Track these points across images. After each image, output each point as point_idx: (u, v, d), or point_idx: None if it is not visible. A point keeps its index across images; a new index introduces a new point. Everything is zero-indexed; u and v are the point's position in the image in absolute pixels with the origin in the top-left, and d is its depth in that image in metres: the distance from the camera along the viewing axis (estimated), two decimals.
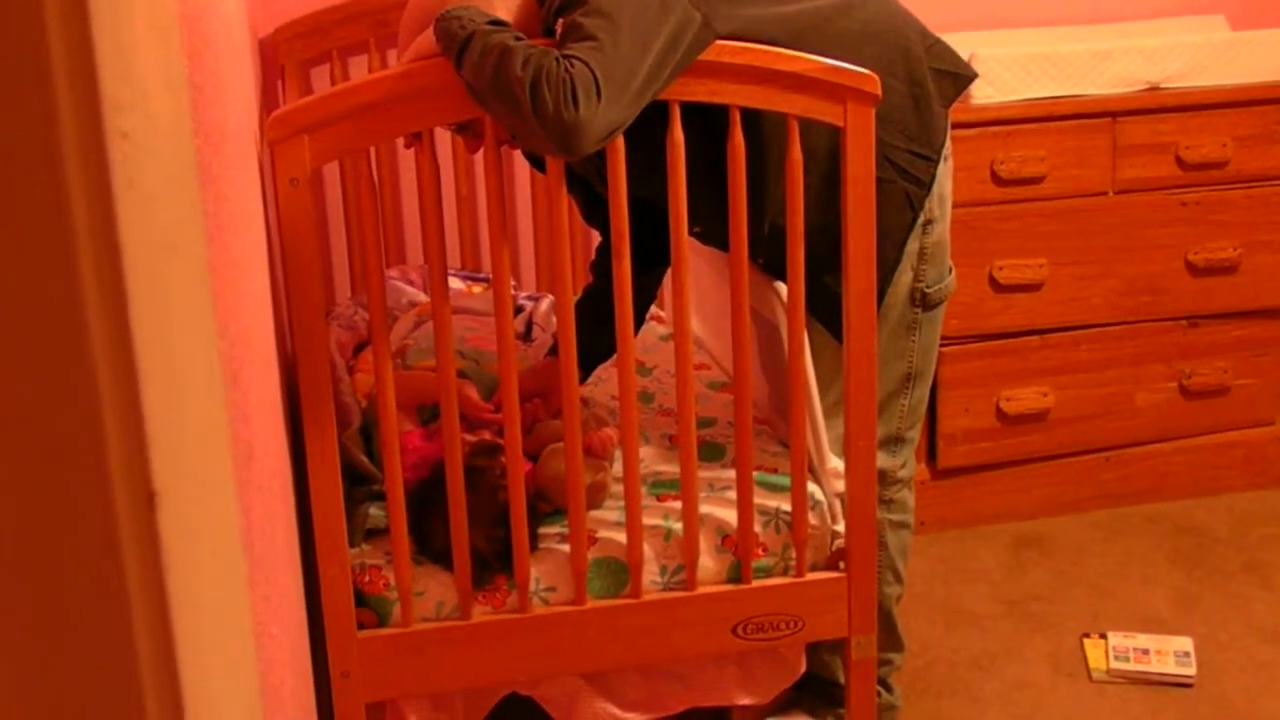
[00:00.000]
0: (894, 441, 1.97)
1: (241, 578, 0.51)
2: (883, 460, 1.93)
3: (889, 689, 2.11)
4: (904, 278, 1.87)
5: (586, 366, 1.98)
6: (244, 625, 0.53)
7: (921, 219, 1.85)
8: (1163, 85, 2.65)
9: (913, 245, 1.86)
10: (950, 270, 1.94)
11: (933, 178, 1.85)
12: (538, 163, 1.97)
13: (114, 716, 0.39)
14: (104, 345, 0.37)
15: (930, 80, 1.83)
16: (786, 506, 1.83)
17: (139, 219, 0.37)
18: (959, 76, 1.88)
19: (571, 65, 1.47)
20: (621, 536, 1.78)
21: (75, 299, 0.36)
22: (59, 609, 0.39)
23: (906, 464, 2.01)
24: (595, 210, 1.98)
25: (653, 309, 2.27)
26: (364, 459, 1.88)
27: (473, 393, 1.96)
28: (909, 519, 2.05)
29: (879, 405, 1.85)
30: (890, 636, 2.07)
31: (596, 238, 2.13)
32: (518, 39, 1.52)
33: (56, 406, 0.37)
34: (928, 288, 1.89)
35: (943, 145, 1.86)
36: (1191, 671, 2.24)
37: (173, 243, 0.41)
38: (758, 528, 1.82)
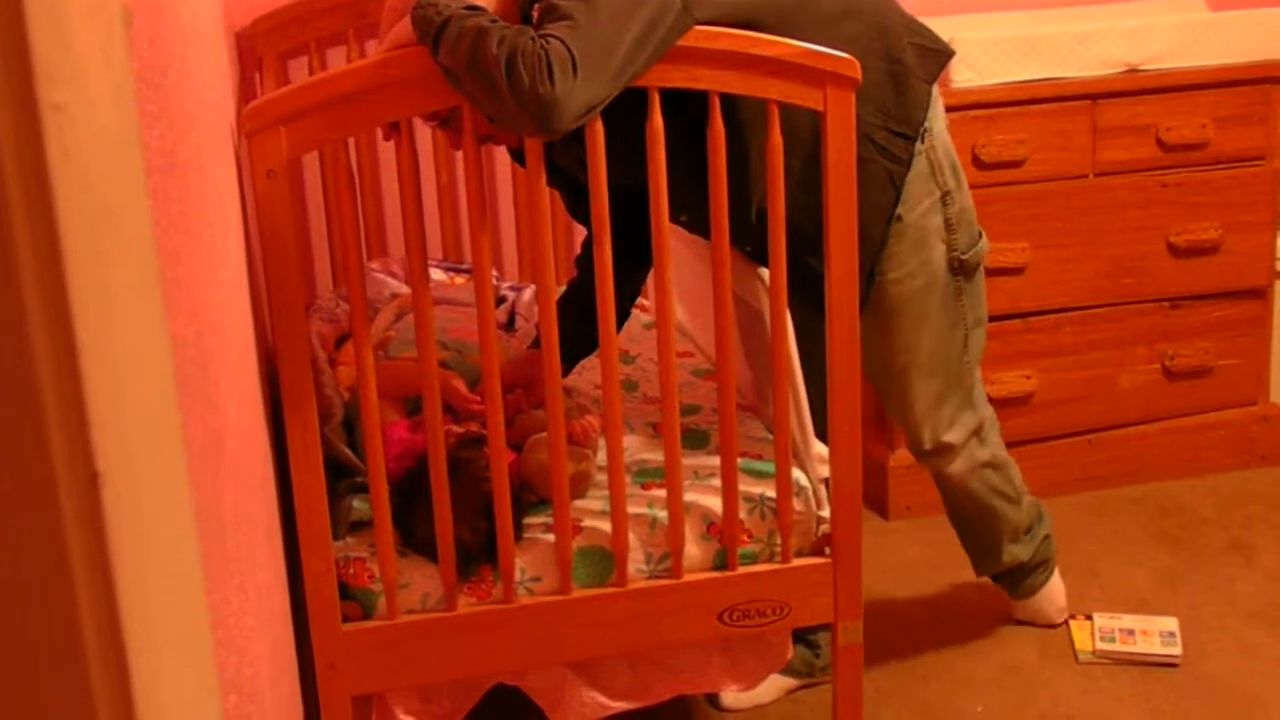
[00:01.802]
0: (970, 394, 2.09)
1: (194, 561, 0.50)
2: (971, 419, 2.08)
3: (1047, 559, 2.29)
4: (937, 251, 1.95)
5: (569, 360, 1.97)
6: (197, 607, 0.52)
7: (939, 193, 1.93)
8: (1142, 67, 2.65)
9: (936, 219, 1.93)
10: (980, 234, 2.02)
11: (911, 156, 1.87)
12: (520, 158, 1.96)
13: (60, 702, 0.39)
14: (42, 320, 0.36)
15: (911, 56, 1.84)
16: (771, 493, 1.83)
17: (75, 191, 0.37)
18: (939, 53, 1.90)
19: (547, 43, 1.47)
20: (606, 525, 1.78)
21: (10, 273, 0.35)
22: (1, 592, 0.38)
23: (984, 404, 2.14)
24: (579, 204, 1.98)
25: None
26: (347, 451, 1.87)
27: (460, 384, 1.95)
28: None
29: (952, 378, 2.01)
30: (1024, 512, 2.22)
31: (580, 229, 2.12)
32: (493, 22, 1.52)
33: None
34: (962, 254, 1.98)
35: (922, 123, 1.87)
36: (1177, 651, 2.25)
37: (113, 217, 0.41)
38: (743, 514, 1.82)
